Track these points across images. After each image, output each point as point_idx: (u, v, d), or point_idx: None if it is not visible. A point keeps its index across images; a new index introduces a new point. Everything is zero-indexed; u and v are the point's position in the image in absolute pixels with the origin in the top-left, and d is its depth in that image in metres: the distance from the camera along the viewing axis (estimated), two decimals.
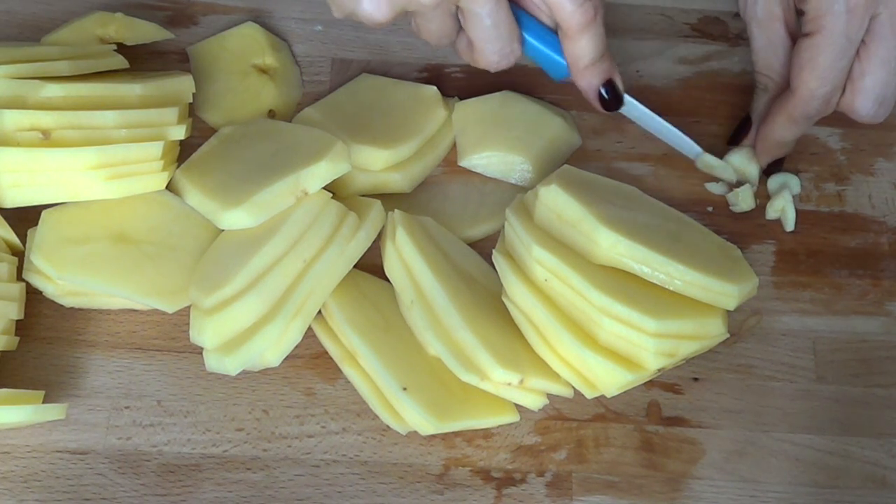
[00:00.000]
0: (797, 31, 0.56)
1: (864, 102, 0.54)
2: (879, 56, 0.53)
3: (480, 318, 0.51)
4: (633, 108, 0.58)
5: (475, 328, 0.50)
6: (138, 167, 0.53)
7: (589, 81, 0.55)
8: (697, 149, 0.59)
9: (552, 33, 0.54)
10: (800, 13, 0.54)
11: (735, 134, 0.60)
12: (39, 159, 0.51)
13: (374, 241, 0.54)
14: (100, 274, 0.52)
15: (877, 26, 0.52)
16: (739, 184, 0.59)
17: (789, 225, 0.59)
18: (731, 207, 0.59)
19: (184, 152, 0.57)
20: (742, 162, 0.59)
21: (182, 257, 0.53)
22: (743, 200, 0.59)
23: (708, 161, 0.59)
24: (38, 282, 0.53)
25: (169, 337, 0.54)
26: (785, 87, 0.57)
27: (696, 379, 0.54)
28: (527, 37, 0.54)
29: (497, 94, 0.61)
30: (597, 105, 0.56)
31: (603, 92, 0.55)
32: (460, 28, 0.53)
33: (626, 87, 0.56)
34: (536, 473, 0.51)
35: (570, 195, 0.51)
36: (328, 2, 0.52)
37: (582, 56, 0.53)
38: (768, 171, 0.60)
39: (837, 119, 0.56)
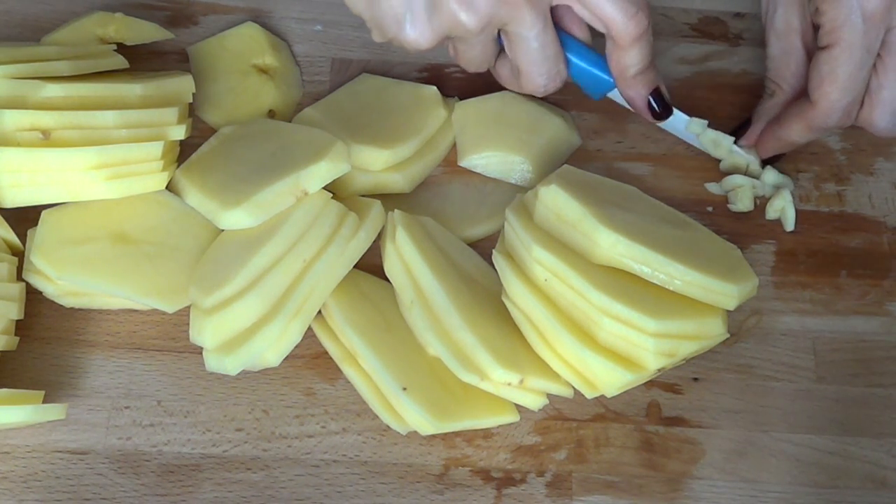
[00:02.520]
0: (813, 44, 0.56)
1: (883, 116, 0.54)
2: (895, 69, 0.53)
3: (480, 318, 0.51)
4: (677, 118, 0.58)
5: (475, 328, 0.50)
6: (138, 167, 0.53)
7: (637, 91, 0.55)
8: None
9: (590, 49, 0.54)
10: (816, 27, 0.54)
11: (733, 133, 0.60)
12: (39, 159, 0.51)
13: (374, 241, 0.54)
14: (100, 274, 0.52)
15: (892, 39, 0.52)
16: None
17: (789, 225, 0.59)
18: (729, 207, 0.59)
19: (184, 152, 0.57)
20: (743, 158, 0.59)
21: (182, 257, 0.53)
22: (741, 201, 0.59)
23: (734, 160, 0.59)
24: (37, 282, 0.53)
25: (169, 337, 0.54)
26: (792, 95, 0.57)
27: (696, 379, 0.54)
28: (569, 56, 0.54)
29: (497, 94, 0.61)
30: (646, 115, 0.56)
31: (652, 101, 0.55)
32: (500, 53, 0.53)
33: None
34: (536, 473, 0.51)
35: (570, 195, 0.51)
36: (370, 27, 0.52)
37: (630, 66, 0.53)
38: (767, 162, 0.60)
39: None
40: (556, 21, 0.53)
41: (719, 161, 0.60)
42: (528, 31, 0.50)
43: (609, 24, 0.52)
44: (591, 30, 0.54)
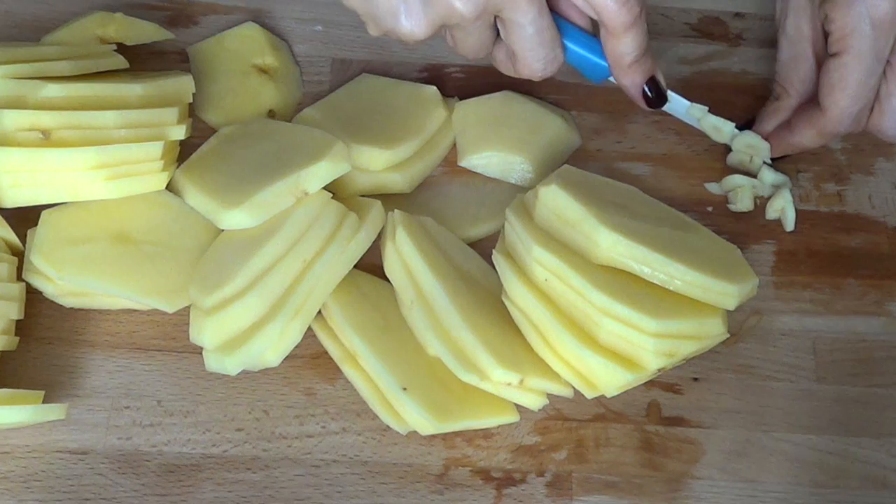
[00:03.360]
0: (822, 51, 0.56)
1: (892, 122, 0.54)
2: None
3: (480, 318, 0.51)
4: (676, 103, 0.58)
5: (475, 328, 0.50)
6: (138, 167, 0.53)
7: (632, 80, 0.54)
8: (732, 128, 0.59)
9: (588, 35, 0.54)
10: (827, 34, 0.54)
11: None
12: (39, 159, 0.51)
13: (374, 241, 0.54)
14: (100, 274, 0.52)
15: None
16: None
17: (789, 225, 0.59)
18: (729, 207, 0.59)
19: (184, 152, 0.57)
20: (748, 139, 0.59)
21: (182, 257, 0.53)
22: (741, 201, 0.59)
23: (746, 140, 0.59)
24: (38, 282, 0.53)
25: (169, 337, 0.54)
26: (798, 100, 0.58)
27: (696, 379, 0.54)
28: (566, 42, 0.54)
29: (497, 94, 0.61)
30: (641, 104, 0.56)
31: (647, 90, 0.55)
32: (497, 38, 0.53)
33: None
34: (536, 473, 0.51)
35: (570, 195, 0.51)
36: (364, 21, 0.51)
37: (625, 54, 0.53)
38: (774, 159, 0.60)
39: None
40: (553, 6, 0.53)
41: (719, 163, 0.60)
42: (522, 17, 0.50)
43: (600, 10, 0.51)
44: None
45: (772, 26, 0.60)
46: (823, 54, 0.55)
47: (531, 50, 0.51)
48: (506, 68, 0.54)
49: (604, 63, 0.54)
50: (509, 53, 0.53)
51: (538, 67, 0.52)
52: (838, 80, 0.53)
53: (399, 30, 0.50)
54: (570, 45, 0.54)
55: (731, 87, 0.64)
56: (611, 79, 0.56)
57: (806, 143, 0.57)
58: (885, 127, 0.55)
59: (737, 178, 0.59)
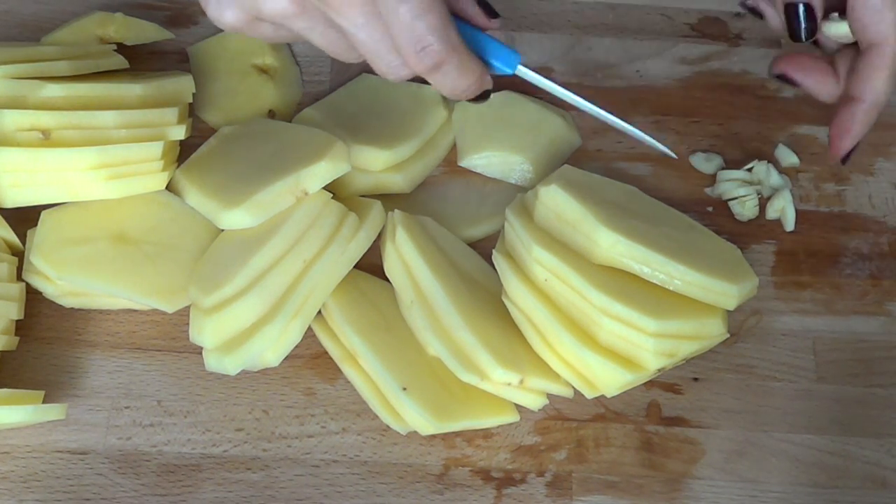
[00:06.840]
0: None
1: None
2: None
3: (480, 318, 0.51)
4: (524, 76, 0.50)
5: (475, 328, 0.50)
6: (138, 167, 0.53)
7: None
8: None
9: (484, 35, 0.48)
10: None
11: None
12: (39, 159, 0.51)
13: (374, 241, 0.54)
14: (100, 274, 0.52)
15: None
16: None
17: (789, 225, 0.59)
18: (736, 217, 0.59)
19: (184, 152, 0.57)
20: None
21: (182, 257, 0.53)
22: (748, 209, 0.58)
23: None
24: (37, 282, 0.53)
25: (169, 337, 0.54)
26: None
27: (696, 379, 0.54)
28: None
29: (497, 94, 0.61)
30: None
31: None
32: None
33: (626, 85, 0.55)
34: (536, 473, 0.51)
35: (570, 195, 0.51)
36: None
37: (442, 89, 0.46)
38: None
39: None
40: (453, 8, 0.47)
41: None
42: (347, 23, 0.44)
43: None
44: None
45: None
46: None
47: (369, 54, 0.46)
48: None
49: (494, 62, 0.48)
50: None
51: (384, 71, 0.47)
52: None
53: (208, 14, 0.46)
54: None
55: (731, 87, 0.64)
56: (517, 71, 0.49)
57: (885, 90, 0.49)
58: None
59: (725, 182, 0.59)
